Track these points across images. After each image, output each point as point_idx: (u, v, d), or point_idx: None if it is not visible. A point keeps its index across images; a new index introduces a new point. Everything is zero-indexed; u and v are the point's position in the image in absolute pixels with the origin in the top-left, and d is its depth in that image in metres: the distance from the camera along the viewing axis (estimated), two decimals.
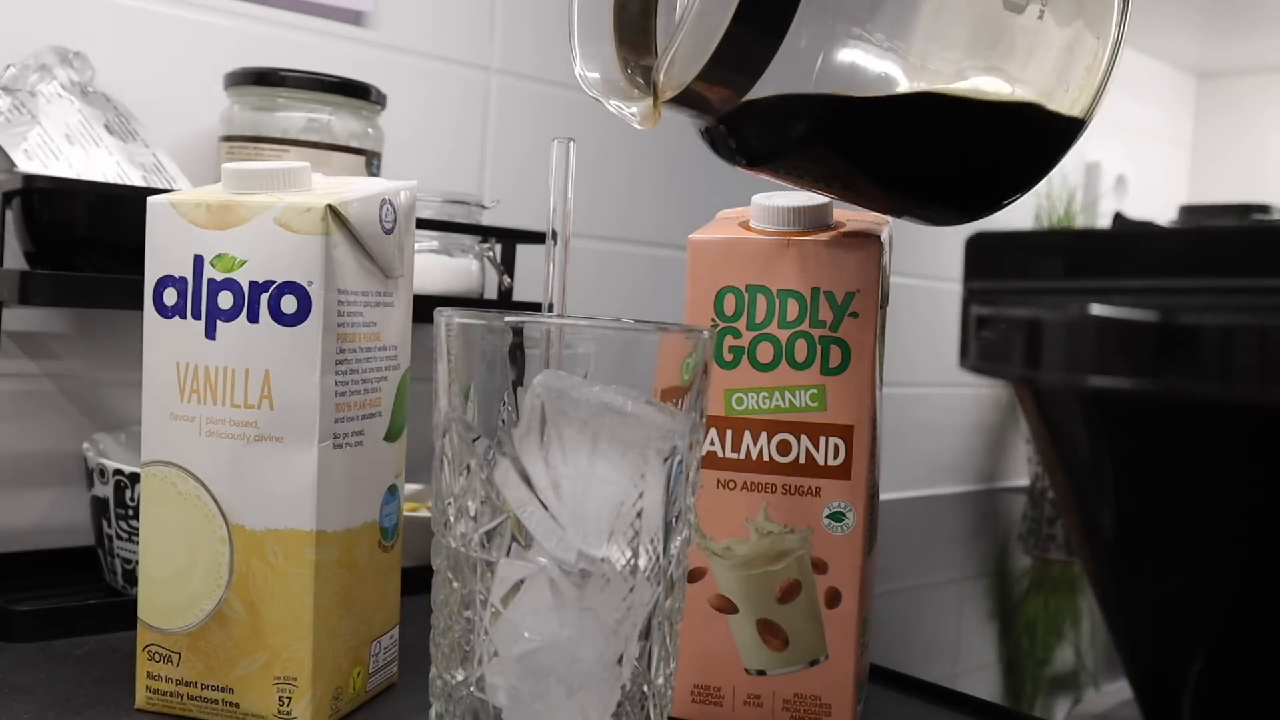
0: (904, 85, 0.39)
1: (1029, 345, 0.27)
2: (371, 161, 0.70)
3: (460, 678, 0.39)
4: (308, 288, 0.44)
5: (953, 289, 1.26)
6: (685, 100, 0.40)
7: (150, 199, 0.46)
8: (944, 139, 0.41)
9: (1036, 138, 0.42)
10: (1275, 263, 0.26)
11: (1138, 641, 0.32)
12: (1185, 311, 0.24)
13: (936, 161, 0.42)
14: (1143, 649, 0.32)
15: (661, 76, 0.39)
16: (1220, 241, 0.27)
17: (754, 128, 0.40)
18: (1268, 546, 0.28)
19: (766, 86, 0.38)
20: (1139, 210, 1.42)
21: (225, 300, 0.44)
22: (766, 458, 0.47)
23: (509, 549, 0.38)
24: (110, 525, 0.58)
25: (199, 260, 0.45)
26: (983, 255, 0.30)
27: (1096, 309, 0.25)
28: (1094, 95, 0.41)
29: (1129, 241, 0.29)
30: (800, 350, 0.47)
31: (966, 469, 1.31)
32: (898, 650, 0.61)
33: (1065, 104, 0.41)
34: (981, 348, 0.28)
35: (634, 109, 0.41)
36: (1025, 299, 0.27)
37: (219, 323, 0.44)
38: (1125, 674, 0.34)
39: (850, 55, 0.38)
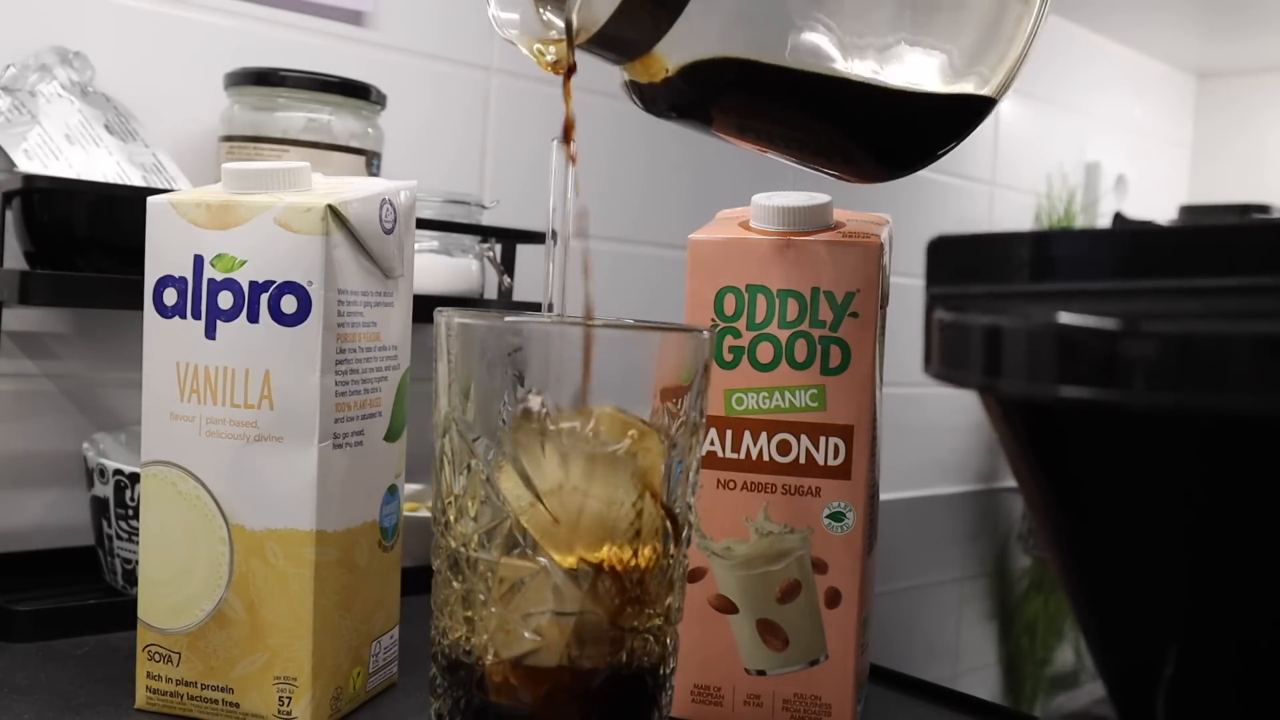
0: (826, 58, 0.39)
1: (989, 354, 0.26)
2: (371, 161, 0.70)
3: (460, 678, 0.39)
4: (308, 288, 0.44)
5: None
6: (601, 42, 0.39)
7: (150, 199, 0.46)
8: (852, 118, 0.42)
9: (948, 116, 0.43)
10: (1239, 260, 0.26)
11: (1108, 645, 0.32)
12: (1147, 319, 0.24)
13: (839, 134, 0.43)
14: (1113, 652, 0.32)
15: (575, 16, 0.39)
16: (1182, 240, 0.27)
17: (676, 85, 0.40)
18: (1232, 550, 0.28)
19: (681, 44, 0.38)
20: (1139, 210, 1.42)
21: (225, 300, 0.44)
22: (766, 458, 0.47)
23: (509, 549, 0.38)
24: (110, 525, 0.58)
25: (199, 260, 0.45)
26: (945, 258, 0.30)
27: (1057, 317, 0.25)
28: (1008, 75, 0.42)
29: (1090, 242, 0.29)
30: (800, 350, 0.47)
31: (966, 469, 1.31)
32: (898, 650, 0.61)
33: (980, 85, 0.42)
34: (944, 355, 0.28)
35: (550, 52, 0.41)
36: (987, 304, 0.27)
37: (219, 323, 0.44)
38: (1099, 675, 0.34)
39: (767, 21, 0.38)
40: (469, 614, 0.39)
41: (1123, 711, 0.33)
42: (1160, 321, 0.24)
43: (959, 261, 0.30)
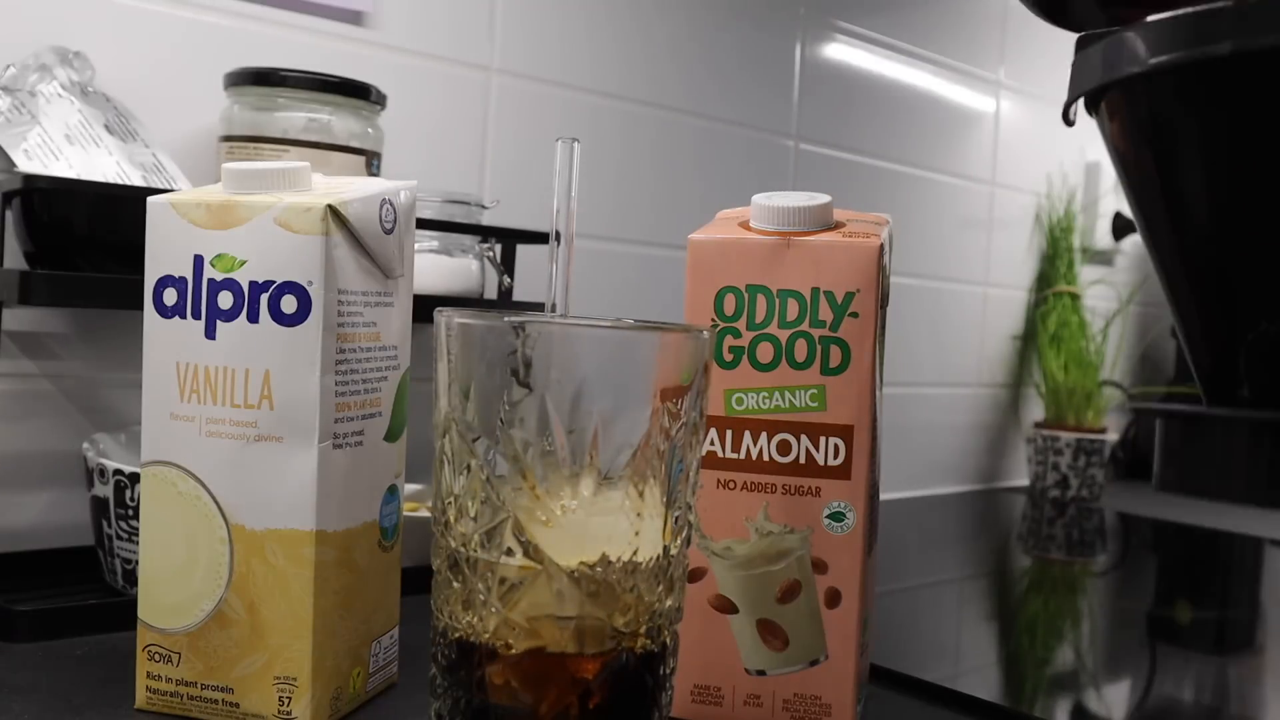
0: None
1: (1129, 50, 0.34)
2: (371, 161, 0.70)
3: (460, 678, 0.39)
4: (308, 288, 0.44)
5: (952, 289, 1.26)
6: None
7: (150, 199, 0.46)
8: None
9: None
10: None
11: (1206, 323, 0.36)
12: None
13: None
14: (1209, 330, 0.36)
15: None
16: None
17: None
18: None
19: None
20: None
21: (225, 300, 0.44)
22: (766, 458, 0.47)
23: (509, 549, 0.38)
24: (110, 525, 0.58)
25: (199, 260, 0.45)
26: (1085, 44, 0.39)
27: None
28: None
29: (1212, 17, 0.36)
30: (800, 350, 0.47)
31: (966, 469, 1.31)
32: (898, 650, 0.61)
33: None
34: (1080, 76, 0.37)
35: None
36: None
37: (219, 323, 0.44)
38: (1189, 358, 0.39)
39: None
40: (469, 614, 0.39)
41: (1209, 387, 0.36)
42: None
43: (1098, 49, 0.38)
